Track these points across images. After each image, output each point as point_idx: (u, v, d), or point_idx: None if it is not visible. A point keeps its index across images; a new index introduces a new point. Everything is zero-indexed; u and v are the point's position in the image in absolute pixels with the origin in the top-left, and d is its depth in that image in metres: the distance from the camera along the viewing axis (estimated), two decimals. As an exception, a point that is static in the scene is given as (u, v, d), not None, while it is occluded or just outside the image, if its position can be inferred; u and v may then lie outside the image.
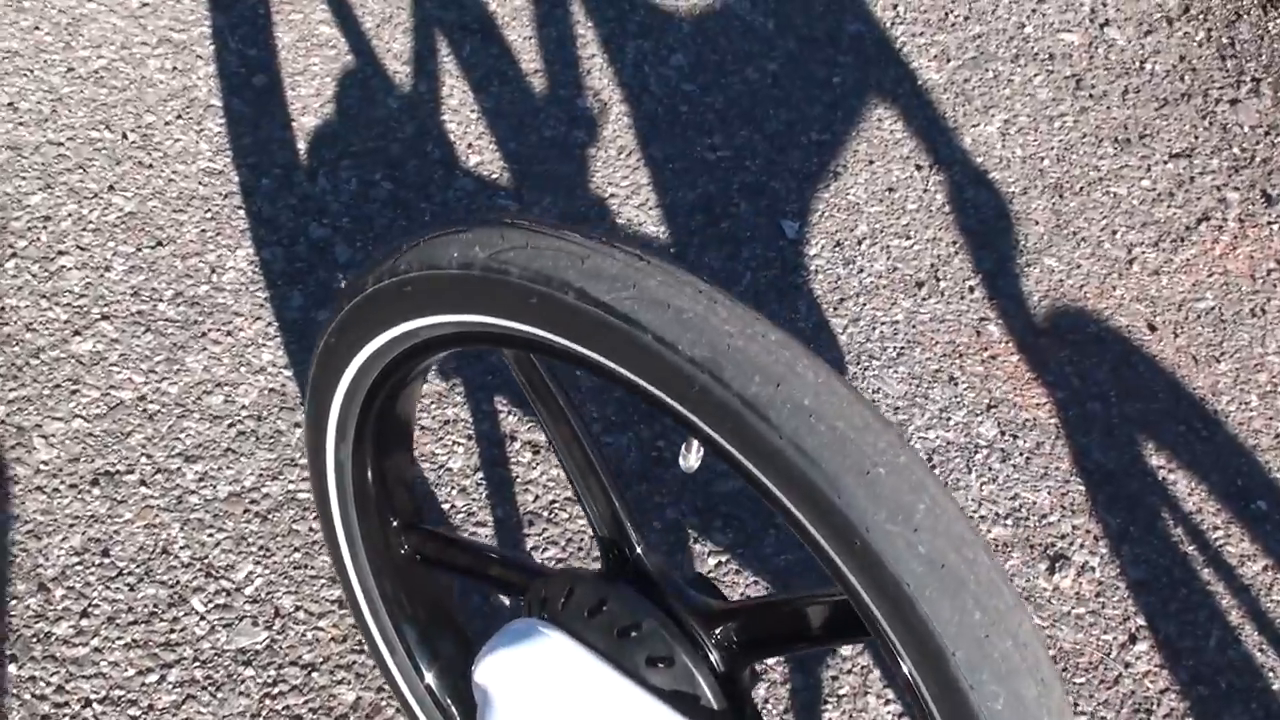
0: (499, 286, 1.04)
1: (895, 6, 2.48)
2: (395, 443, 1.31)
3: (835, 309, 2.01)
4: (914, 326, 2.01)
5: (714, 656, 1.14)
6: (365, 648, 1.47)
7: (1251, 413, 1.97)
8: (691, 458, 1.06)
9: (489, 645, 1.17)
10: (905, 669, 0.96)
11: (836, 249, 2.09)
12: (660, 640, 1.12)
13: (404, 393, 1.26)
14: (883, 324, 2.00)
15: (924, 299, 2.04)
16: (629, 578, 1.17)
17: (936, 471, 1.85)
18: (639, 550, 1.17)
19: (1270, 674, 1.72)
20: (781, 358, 0.95)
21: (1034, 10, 2.51)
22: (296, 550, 1.68)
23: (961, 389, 1.94)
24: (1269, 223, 2.21)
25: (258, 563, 1.66)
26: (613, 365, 1.00)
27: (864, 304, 2.02)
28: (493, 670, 1.16)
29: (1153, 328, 2.06)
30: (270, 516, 1.70)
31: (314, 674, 1.58)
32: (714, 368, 0.95)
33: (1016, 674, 0.94)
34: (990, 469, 1.87)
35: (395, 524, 1.36)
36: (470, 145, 2.14)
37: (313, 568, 1.66)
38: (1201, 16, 2.54)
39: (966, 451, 1.88)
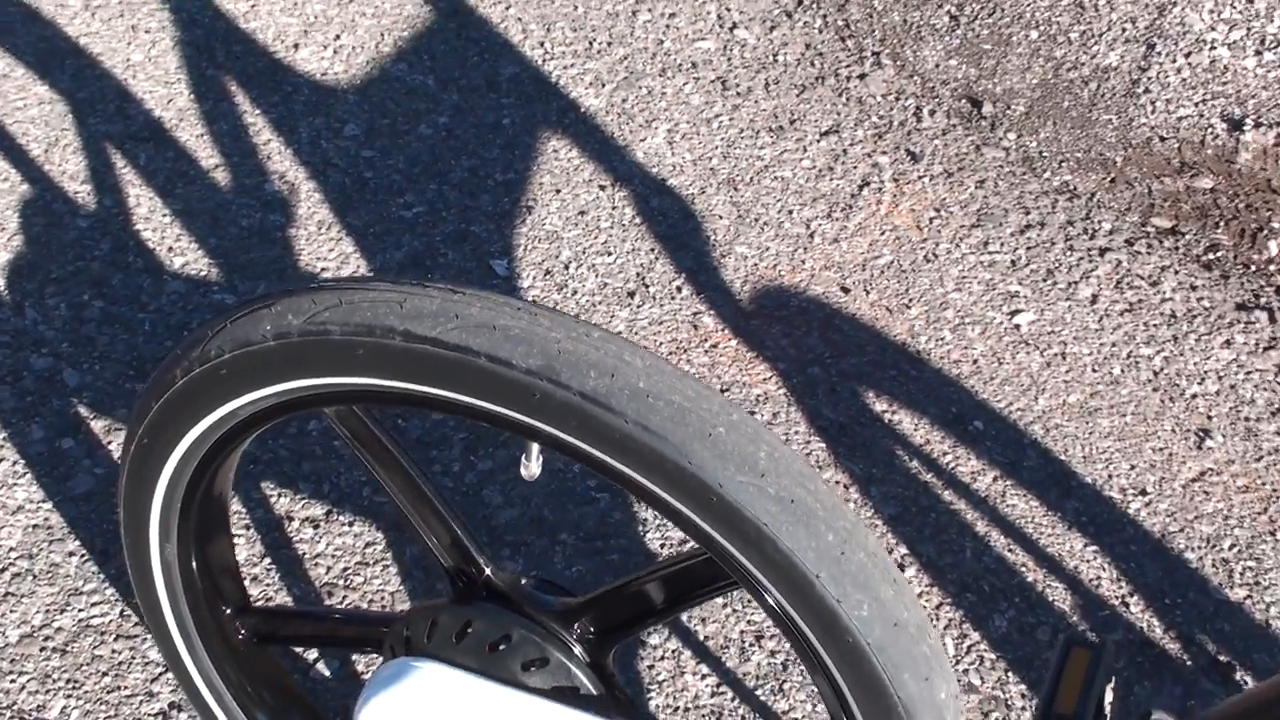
0: (320, 347, 1.09)
1: (542, 44, 2.60)
2: (216, 529, 1.34)
3: (561, 332, 2.11)
4: (636, 333, 2.12)
5: (578, 649, 1.21)
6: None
7: (948, 346, 2.16)
8: (533, 465, 1.14)
9: (364, 695, 1.21)
10: (773, 602, 1.06)
11: (547, 277, 2.19)
12: (531, 645, 1.19)
13: (220, 476, 1.29)
14: (608, 336, 2.11)
15: (639, 306, 2.16)
16: (484, 596, 1.23)
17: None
18: (488, 571, 1.23)
19: (1022, 569, 1.90)
20: (609, 350, 1.04)
21: (667, 26, 2.68)
22: (105, 675, 1.66)
23: (694, 380, 2.07)
24: (919, 177, 2.43)
25: (69, 696, 1.64)
26: (450, 395, 1.07)
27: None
28: (378, 712, 1.20)
29: (846, 290, 2.23)
30: (69, 648, 1.68)
31: (156, 787, 1.58)
32: (550, 373, 1.03)
33: (873, 581, 1.05)
34: (739, 446, 1.99)
35: (228, 611, 1.38)
36: (171, 249, 2.15)
37: (125, 687, 1.65)
38: (815, 5, 2.76)
39: (714, 435, 2.00)
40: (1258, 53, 2.70)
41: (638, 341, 2.09)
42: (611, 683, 1.22)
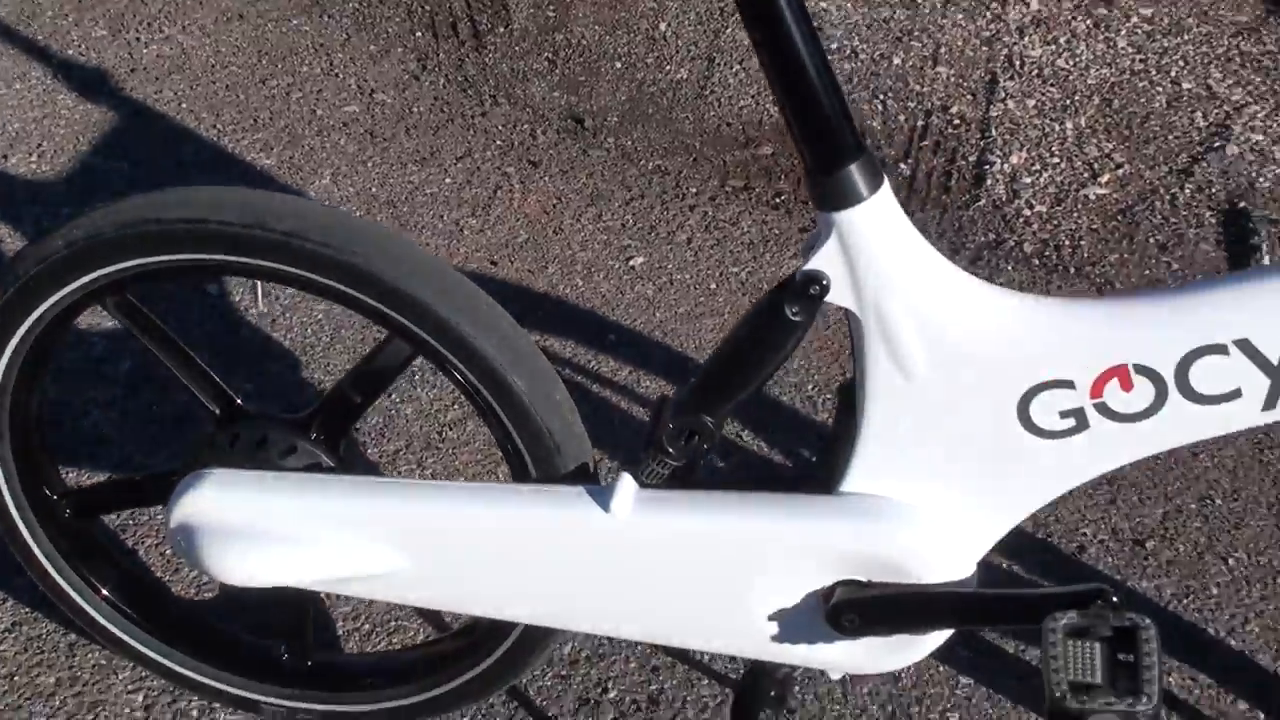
0: (100, 245, 1.58)
1: (215, 127, 3.13)
2: (34, 423, 1.77)
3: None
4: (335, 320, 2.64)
5: (317, 441, 1.70)
6: (60, 603, 1.90)
7: (581, 289, 2.75)
8: (260, 302, 1.65)
9: (168, 509, 1.67)
10: (440, 359, 1.59)
11: (251, 293, 2.69)
12: (282, 439, 1.68)
13: (39, 373, 1.73)
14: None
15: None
16: (242, 419, 1.72)
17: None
18: (239, 402, 1.73)
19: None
20: (300, 203, 1.57)
21: (317, 98, 3.23)
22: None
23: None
24: (540, 178, 3.03)
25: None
26: (199, 256, 1.56)
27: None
28: (184, 511, 1.65)
29: (494, 263, 2.81)
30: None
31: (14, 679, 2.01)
32: (261, 223, 1.55)
33: (494, 321, 1.59)
34: (429, 383, 2.53)
35: (54, 496, 1.82)
36: None
37: (-27, 619, 2.08)
38: (437, 68, 3.36)
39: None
40: (793, 51, 3.41)
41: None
42: (345, 461, 1.72)
